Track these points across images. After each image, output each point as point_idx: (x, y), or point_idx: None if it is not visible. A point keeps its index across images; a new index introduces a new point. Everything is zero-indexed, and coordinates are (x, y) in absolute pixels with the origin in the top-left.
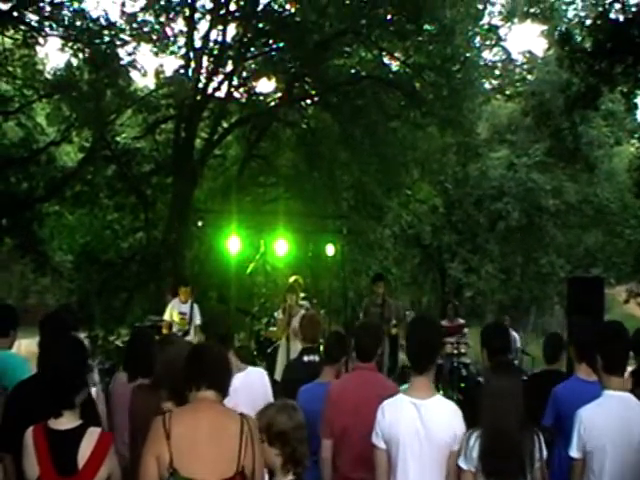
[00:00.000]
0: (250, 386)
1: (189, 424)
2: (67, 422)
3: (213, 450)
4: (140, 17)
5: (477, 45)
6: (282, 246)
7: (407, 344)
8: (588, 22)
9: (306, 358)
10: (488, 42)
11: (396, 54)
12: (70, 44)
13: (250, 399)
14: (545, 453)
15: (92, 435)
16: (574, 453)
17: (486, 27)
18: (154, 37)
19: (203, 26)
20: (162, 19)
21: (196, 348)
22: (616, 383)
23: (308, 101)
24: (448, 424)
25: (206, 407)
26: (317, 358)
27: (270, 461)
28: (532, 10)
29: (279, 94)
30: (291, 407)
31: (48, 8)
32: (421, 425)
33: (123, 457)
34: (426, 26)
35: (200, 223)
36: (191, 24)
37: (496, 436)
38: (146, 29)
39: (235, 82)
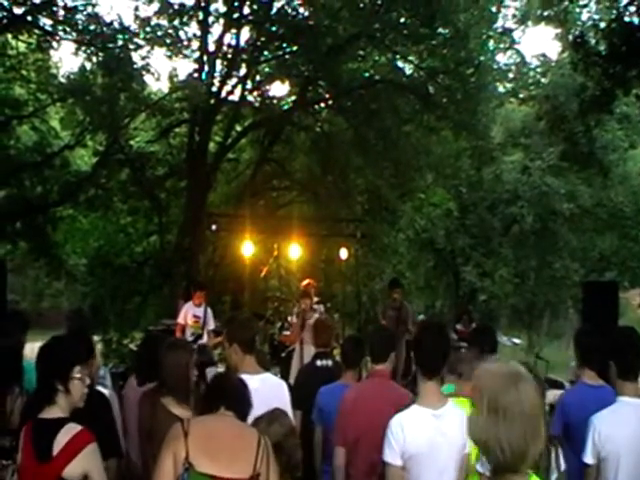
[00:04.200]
0: (264, 392)
1: (208, 428)
2: (53, 413)
3: (230, 451)
4: (154, 21)
5: (491, 48)
6: (296, 250)
7: (416, 350)
8: (602, 25)
9: (319, 362)
10: (502, 45)
11: (410, 58)
12: (84, 48)
13: (265, 405)
14: (563, 465)
15: (71, 429)
16: (588, 459)
17: (500, 30)
18: (168, 41)
19: (217, 30)
20: (176, 23)
21: (218, 377)
22: (630, 389)
23: (322, 105)
24: (463, 431)
25: (225, 418)
26: (330, 362)
27: None
28: (546, 13)
29: (293, 98)
30: (279, 415)
31: (62, 12)
32: (442, 437)
33: (135, 463)
34: (440, 30)
35: (214, 227)
36: (205, 28)
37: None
38: (160, 33)
39: (249, 86)
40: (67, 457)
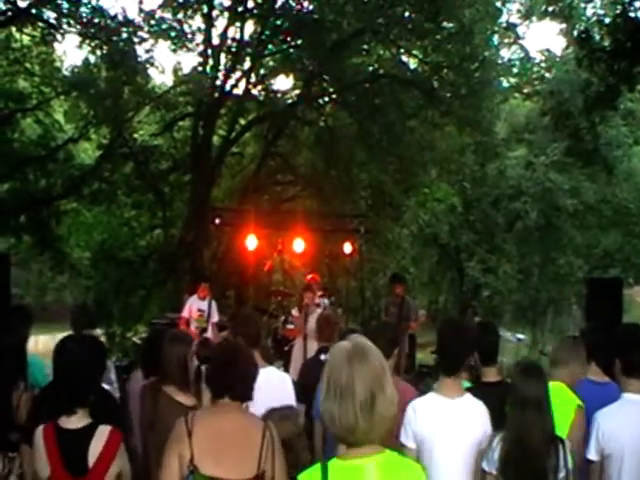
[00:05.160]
0: (268, 386)
1: (211, 424)
2: (77, 421)
3: (234, 451)
4: (158, 14)
5: (495, 44)
6: (299, 245)
7: (438, 346)
8: (607, 21)
9: (323, 357)
10: (506, 41)
11: (414, 53)
12: (88, 41)
13: (267, 399)
14: (570, 463)
15: (102, 434)
16: (592, 456)
17: (504, 26)
18: (172, 34)
19: (221, 23)
20: (180, 16)
21: (221, 363)
22: (635, 386)
23: (326, 99)
24: (478, 423)
25: (229, 410)
26: None
27: None
28: (550, 9)
29: (297, 92)
30: (293, 414)
31: (66, 5)
32: (454, 424)
33: (138, 454)
34: (445, 25)
35: (218, 221)
36: (209, 21)
37: (517, 443)
38: (164, 26)
39: (253, 80)
40: (105, 465)
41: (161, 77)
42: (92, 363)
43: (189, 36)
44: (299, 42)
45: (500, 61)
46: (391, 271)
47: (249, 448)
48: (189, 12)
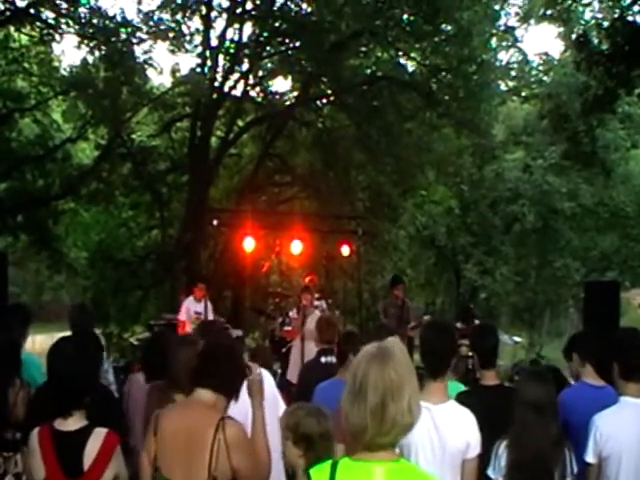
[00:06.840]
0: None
1: (173, 424)
2: (73, 423)
3: (188, 454)
4: (156, 15)
5: (493, 46)
6: (297, 246)
7: (420, 349)
8: (605, 24)
9: (323, 359)
10: (504, 43)
11: (412, 55)
12: (86, 42)
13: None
14: (576, 468)
15: (98, 436)
16: (589, 458)
17: (503, 28)
18: (170, 35)
19: (219, 24)
20: (178, 17)
21: (204, 347)
22: (633, 389)
23: (324, 101)
24: (460, 431)
25: (192, 408)
26: (334, 359)
27: (292, 461)
28: (549, 12)
29: (295, 93)
30: (321, 414)
31: (65, 5)
32: (434, 431)
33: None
34: (443, 27)
35: (215, 222)
36: (207, 22)
37: (523, 449)
38: (162, 27)
39: (251, 81)
40: (100, 468)
41: (159, 78)
42: (86, 365)
43: (187, 37)
44: (297, 44)
45: (498, 64)
46: (388, 273)
47: (200, 452)
48: (188, 13)
